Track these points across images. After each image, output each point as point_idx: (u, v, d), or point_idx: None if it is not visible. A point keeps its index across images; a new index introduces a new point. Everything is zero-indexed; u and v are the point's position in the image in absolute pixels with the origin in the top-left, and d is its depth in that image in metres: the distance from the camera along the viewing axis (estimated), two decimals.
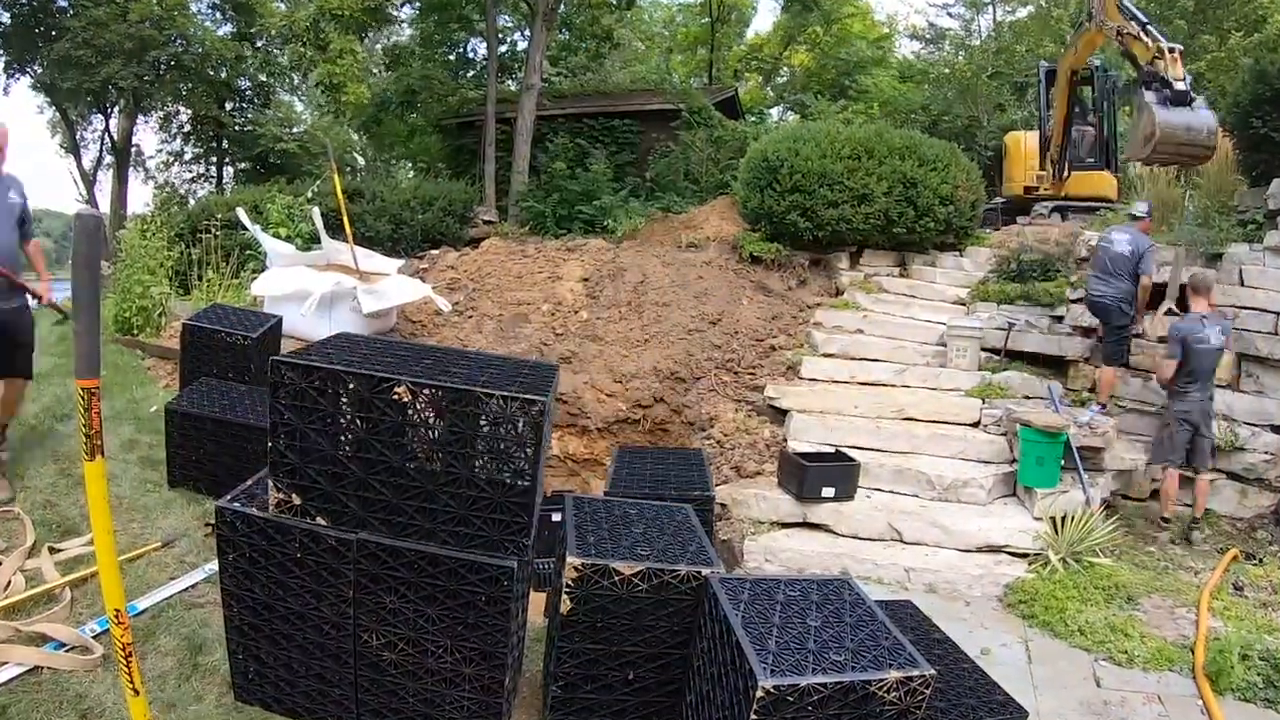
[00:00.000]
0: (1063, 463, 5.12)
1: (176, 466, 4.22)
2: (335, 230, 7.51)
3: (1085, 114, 10.37)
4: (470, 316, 7.56)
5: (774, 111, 23.13)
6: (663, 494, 3.74)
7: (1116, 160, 10.17)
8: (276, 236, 7.87)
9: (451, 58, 19.42)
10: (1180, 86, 5.69)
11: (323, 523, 2.36)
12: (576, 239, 9.27)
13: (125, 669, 1.91)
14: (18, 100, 47.90)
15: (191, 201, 16.21)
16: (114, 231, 16.54)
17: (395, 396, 2.26)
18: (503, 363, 2.71)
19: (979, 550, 4.70)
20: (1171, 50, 6.00)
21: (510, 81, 18.03)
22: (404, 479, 2.33)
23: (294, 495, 2.37)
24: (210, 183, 23.09)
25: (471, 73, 19.21)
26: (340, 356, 2.43)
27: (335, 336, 2.77)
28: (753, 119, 17.93)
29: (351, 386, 2.28)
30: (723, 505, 5.12)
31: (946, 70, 14.56)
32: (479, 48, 19.42)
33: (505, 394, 2.27)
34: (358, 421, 2.30)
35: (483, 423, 2.30)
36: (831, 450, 5.33)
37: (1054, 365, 6.43)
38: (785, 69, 23.62)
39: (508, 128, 12.71)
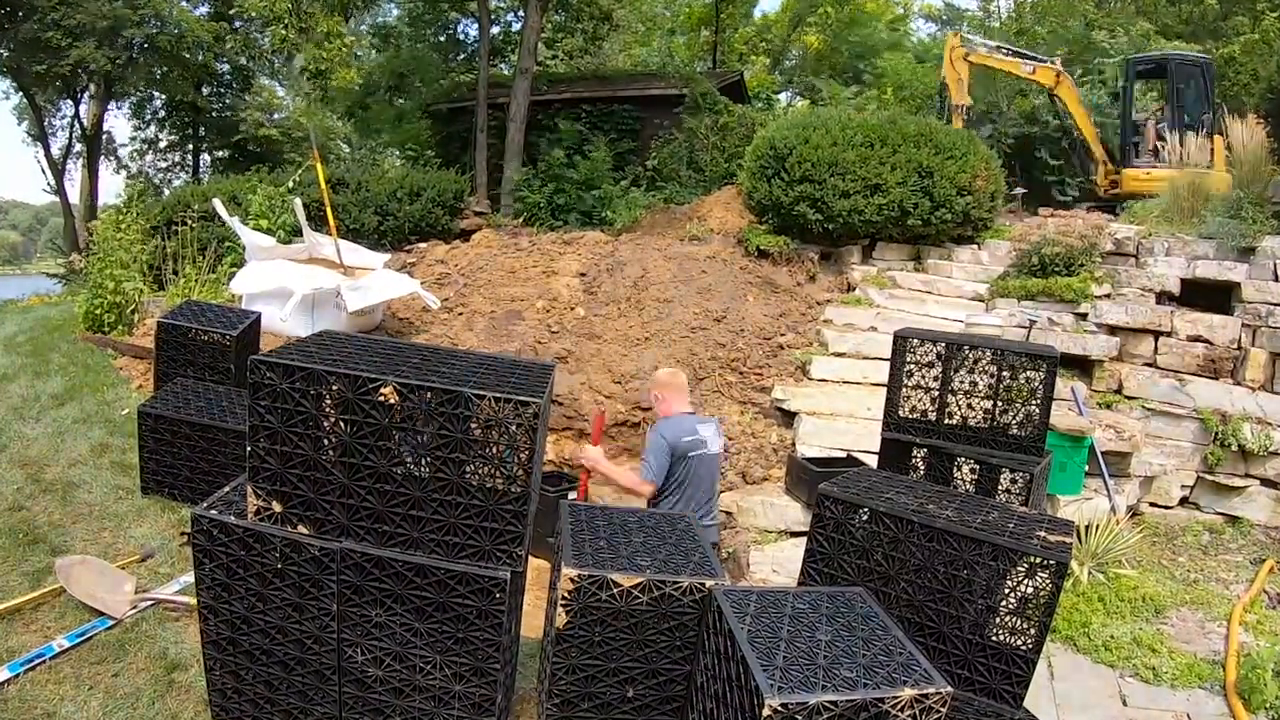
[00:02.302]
0: (1087, 468, 5.13)
1: (150, 472, 4.22)
2: (318, 222, 7.50)
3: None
4: (460, 313, 7.56)
5: (782, 96, 23.11)
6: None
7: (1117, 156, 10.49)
8: (257, 229, 7.87)
9: (442, 39, 19.43)
10: None
11: (304, 531, 2.36)
12: (573, 231, 9.27)
13: None
14: None
15: (166, 192, 16.25)
16: (85, 223, 16.59)
17: (381, 398, 2.26)
18: (495, 362, 2.71)
19: None
20: None
21: (503, 65, 18.02)
22: (390, 485, 2.33)
23: (274, 502, 2.36)
24: (186, 172, 23.10)
25: (463, 55, 19.22)
26: (323, 355, 2.43)
27: (318, 334, 2.77)
28: (760, 104, 17.91)
29: (335, 387, 2.28)
30: (728, 513, 5.12)
31: None
32: (470, 29, 19.42)
33: (497, 395, 2.26)
34: (341, 424, 2.30)
35: (473, 426, 2.30)
36: (843, 455, 5.33)
37: (1078, 365, 6.43)
38: (794, 51, 23.61)
39: (501, 114, 12.70)
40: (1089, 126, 11.01)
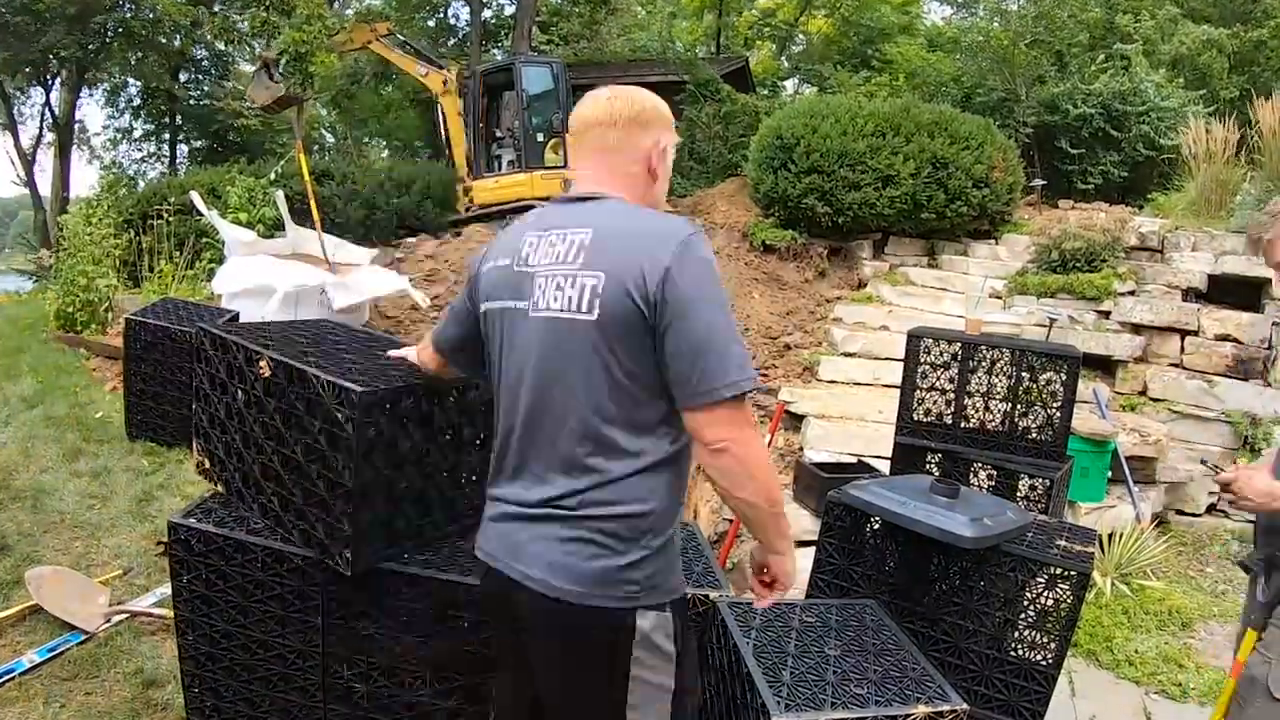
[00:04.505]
0: (1110, 474, 5.13)
1: (136, 414, 4.34)
2: (301, 216, 7.50)
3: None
4: None
5: (789, 84, 23.13)
6: None
7: (529, 157, 10.57)
8: (236, 222, 7.87)
9: (431, 24, 19.45)
10: None
11: (220, 490, 2.53)
12: None
13: None
14: None
15: (141, 184, 16.22)
16: (55, 217, 16.58)
17: (258, 371, 2.27)
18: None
19: None
20: None
21: (496, 51, 18.05)
22: (258, 454, 2.41)
23: (205, 459, 2.56)
24: (162, 163, 23.10)
25: (453, 41, 19.24)
26: (259, 333, 2.52)
27: (293, 321, 2.80)
28: (765, 92, 17.93)
29: (237, 356, 2.38)
30: (730, 521, 5.12)
31: (980, 38, 14.50)
32: (461, 13, 19.46)
33: (330, 379, 2.12)
34: (240, 393, 2.39)
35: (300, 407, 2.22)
36: (853, 460, 5.33)
37: (1100, 366, 6.44)
38: (801, 36, 23.62)
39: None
40: (460, 140, 10.91)
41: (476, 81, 11.02)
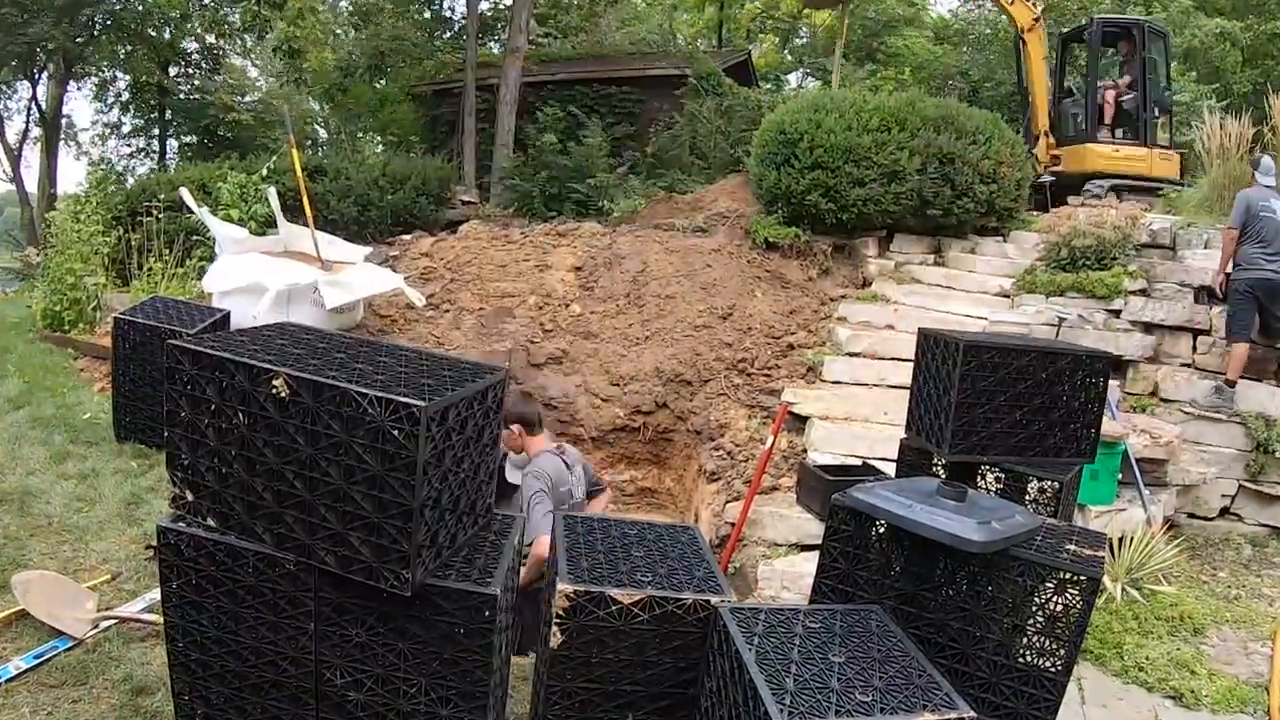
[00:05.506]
0: (1120, 476, 5.13)
1: (125, 415, 4.28)
2: (294, 213, 7.51)
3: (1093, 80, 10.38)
4: (447, 311, 7.56)
5: (792, 78, 23.15)
6: None
7: (1148, 132, 10.04)
8: (227, 219, 7.87)
9: (427, 15, 19.44)
10: None
11: (212, 524, 2.35)
12: (568, 222, 9.28)
13: None
14: None
15: (130, 180, 16.22)
16: (42, 214, 16.58)
17: (274, 390, 2.16)
18: (435, 361, 2.62)
19: None
20: None
21: (493, 44, 18.06)
22: (283, 484, 2.26)
23: (187, 491, 2.35)
24: (152, 159, 23.08)
25: (449, 33, 19.24)
26: (246, 345, 2.39)
27: (270, 325, 2.76)
28: (768, 86, 17.94)
29: (236, 377, 2.22)
30: (732, 525, 5.13)
31: (988, 31, 14.56)
32: (457, 5, 19.46)
33: (378, 395, 2.08)
34: (240, 416, 2.24)
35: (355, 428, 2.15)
36: (858, 463, 5.33)
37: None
38: (805, 29, 23.61)
39: (490, 96, 12.71)
40: (1043, 90, 10.41)
41: (1096, 31, 10.25)
